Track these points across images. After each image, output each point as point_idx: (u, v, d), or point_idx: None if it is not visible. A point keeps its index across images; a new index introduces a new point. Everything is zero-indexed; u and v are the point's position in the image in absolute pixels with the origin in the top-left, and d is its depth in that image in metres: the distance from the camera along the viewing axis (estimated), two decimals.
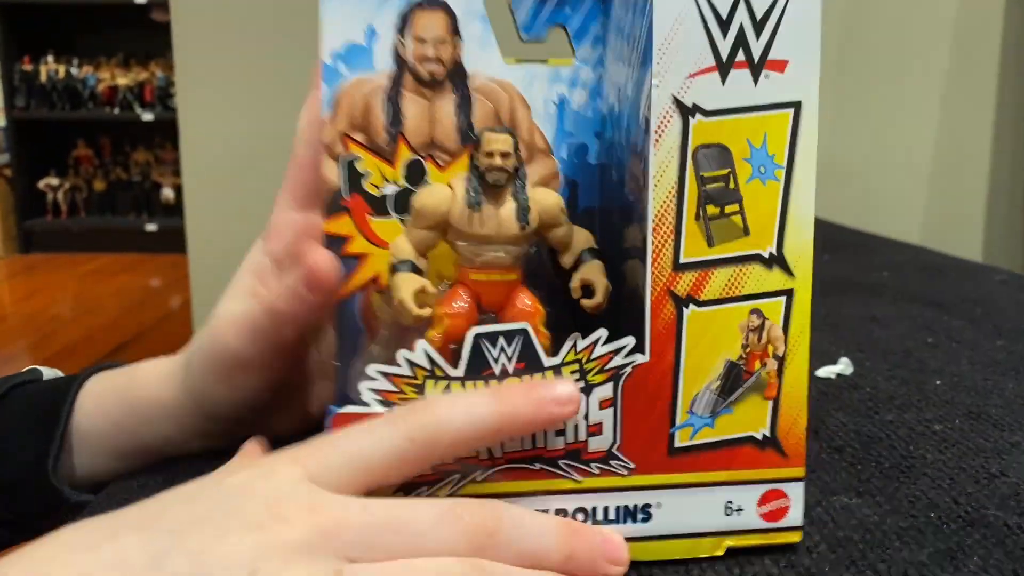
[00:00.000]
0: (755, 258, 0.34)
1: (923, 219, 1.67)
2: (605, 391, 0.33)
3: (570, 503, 0.34)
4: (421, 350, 0.32)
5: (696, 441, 0.34)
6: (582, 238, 0.37)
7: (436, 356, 0.32)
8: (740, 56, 0.32)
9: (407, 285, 0.34)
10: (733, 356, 0.34)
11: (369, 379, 0.32)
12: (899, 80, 1.63)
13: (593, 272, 0.36)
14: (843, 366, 0.57)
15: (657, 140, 0.32)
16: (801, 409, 0.35)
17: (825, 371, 0.57)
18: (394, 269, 0.35)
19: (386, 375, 0.32)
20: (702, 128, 0.33)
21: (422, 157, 0.37)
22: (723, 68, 0.32)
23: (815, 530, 0.37)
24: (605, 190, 0.39)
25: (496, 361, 0.32)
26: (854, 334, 0.66)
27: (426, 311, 0.34)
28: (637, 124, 0.34)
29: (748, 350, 0.34)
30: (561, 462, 0.33)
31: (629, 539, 0.34)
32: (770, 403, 0.35)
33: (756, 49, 0.32)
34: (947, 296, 0.78)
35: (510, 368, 0.32)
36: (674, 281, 0.33)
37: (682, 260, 0.33)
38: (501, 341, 0.32)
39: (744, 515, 0.35)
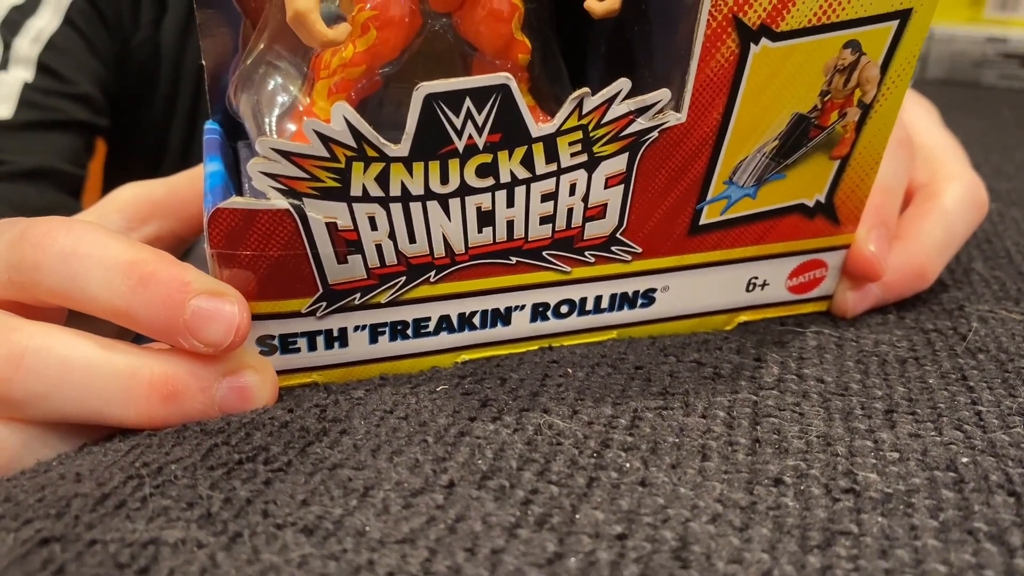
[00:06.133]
0: None
1: None
2: (616, 165, 0.23)
3: (552, 296, 0.25)
4: (339, 117, 0.20)
5: (727, 216, 0.25)
6: None
7: (364, 126, 0.20)
8: None
9: None
10: (805, 108, 0.23)
11: (262, 159, 0.21)
12: None
13: None
14: None
15: None
16: (872, 167, 0.25)
17: None
18: None
19: (288, 156, 0.20)
20: None
21: None
22: None
23: None
24: None
25: (460, 133, 0.21)
26: None
27: (342, 30, 0.21)
28: None
29: (827, 99, 0.23)
30: (546, 253, 0.24)
31: (621, 324, 0.26)
32: (836, 164, 0.25)
33: None
34: None
35: (480, 141, 0.21)
36: (745, 3, 0.21)
37: None
38: (468, 104, 0.21)
39: (768, 289, 0.27)
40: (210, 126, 0.26)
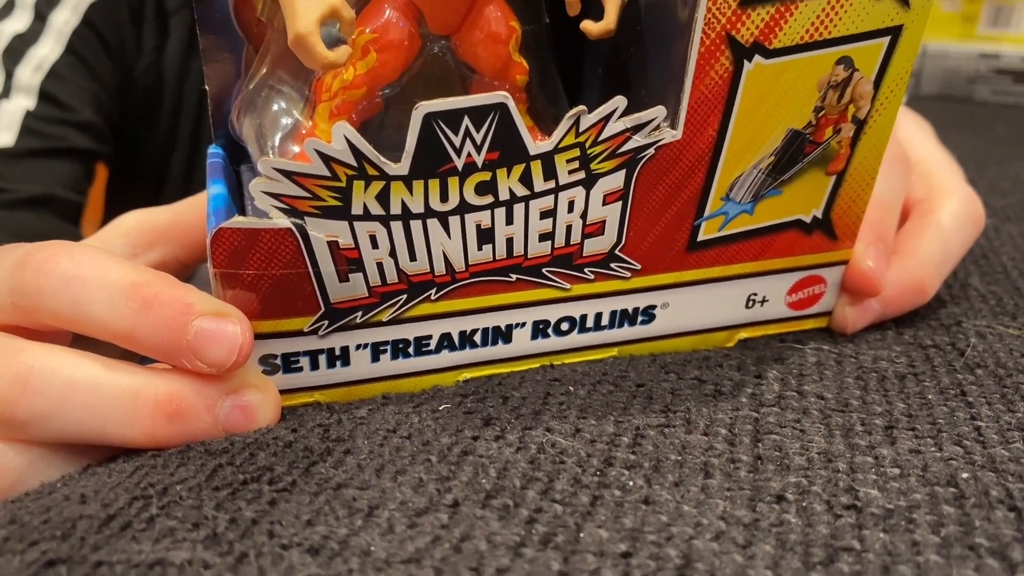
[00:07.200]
0: None
1: None
2: (613, 182, 0.23)
3: (553, 313, 0.25)
4: (340, 136, 0.20)
5: (725, 232, 0.25)
6: None
7: (364, 145, 0.21)
8: None
9: (307, 8, 0.21)
10: (799, 124, 0.23)
11: (264, 179, 0.21)
12: None
13: None
14: None
15: None
16: (868, 182, 0.26)
17: None
18: None
19: (289, 175, 0.21)
20: None
21: None
22: None
23: None
24: None
25: (459, 151, 0.21)
26: None
27: (343, 53, 0.21)
28: None
29: (822, 114, 0.23)
30: (545, 270, 0.24)
31: (622, 341, 0.26)
32: (832, 179, 0.25)
33: None
34: None
35: (479, 159, 0.21)
36: (738, 21, 0.21)
37: None
38: (466, 122, 0.21)
39: (768, 306, 0.27)
40: (213, 150, 0.27)
